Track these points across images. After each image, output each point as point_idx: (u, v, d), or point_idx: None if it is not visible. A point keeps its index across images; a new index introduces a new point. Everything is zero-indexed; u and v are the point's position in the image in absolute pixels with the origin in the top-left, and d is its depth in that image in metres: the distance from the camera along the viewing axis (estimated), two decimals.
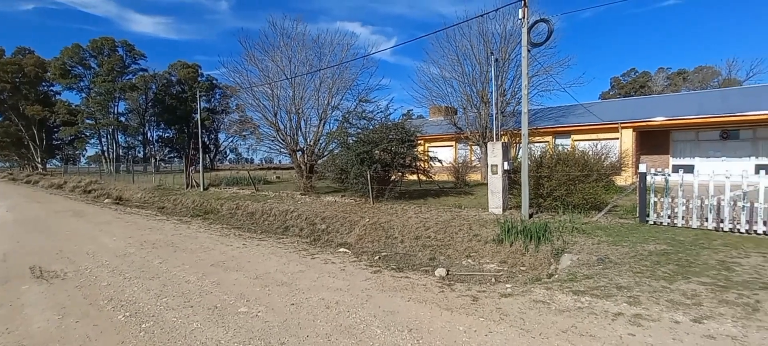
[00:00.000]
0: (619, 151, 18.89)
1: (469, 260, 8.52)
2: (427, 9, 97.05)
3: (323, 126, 18.37)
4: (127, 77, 51.82)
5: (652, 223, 8.05)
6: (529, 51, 9.42)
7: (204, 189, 20.35)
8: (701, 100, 19.91)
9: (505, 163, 10.41)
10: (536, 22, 9.22)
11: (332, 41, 17.93)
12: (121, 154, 54.73)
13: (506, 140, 20.64)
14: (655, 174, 8.10)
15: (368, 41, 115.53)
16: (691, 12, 69.68)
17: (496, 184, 10.50)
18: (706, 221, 7.49)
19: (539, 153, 11.06)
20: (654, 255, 5.51)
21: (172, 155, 59.16)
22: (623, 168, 18.88)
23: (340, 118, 16.44)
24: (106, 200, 19.46)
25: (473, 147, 23.40)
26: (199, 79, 56.14)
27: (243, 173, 26.94)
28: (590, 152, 17.22)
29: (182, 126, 57.17)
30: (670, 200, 7.92)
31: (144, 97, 52.54)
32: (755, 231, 6.97)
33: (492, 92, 14.01)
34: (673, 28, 71.04)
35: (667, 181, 7.98)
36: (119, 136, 55.67)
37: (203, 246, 8.57)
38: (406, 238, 10.27)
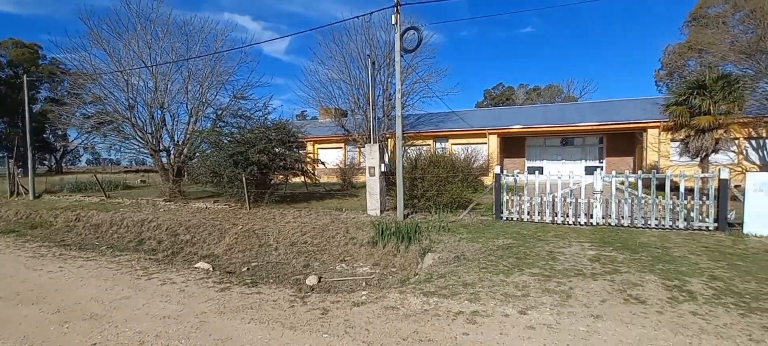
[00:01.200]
0: (486, 154, 21.19)
1: (343, 265, 8.26)
2: (322, 10, 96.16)
3: (195, 124, 16.25)
4: None
5: (506, 219, 8.96)
6: (402, 56, 9.69)
7: (35, 197, 16.17)
8: (547, 112, 23.62)
9: (382, 165, 10.51)
10: (407, 29, 9.54)
11: (203, 28, 16.00)
12: None
13: (394, 142, 21.47)
14: (507, 175, 9.05)
15: (259, 37, 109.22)
16: (543, 39, 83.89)
17: (373, 186, 10.53)
18: (545, 215, 8.63)
19: (415, 155, 11.51)
20: (500, 250, 6.00)
21: (1, 154, 46.21)
22: (490, 169, 21.28)
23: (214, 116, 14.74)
24: None
25: (362, 149, 23.58)
26: (41, 62, 45.22)
27: (104, 176, 22.28)
28: (463, 155, 18.89)
29: (15, 119, 45.21)
30: (518, 198, 8.94)
31: None
32: (579, 222, 8.28)
33: (370, 95, 14.13)
34: (531, 51, 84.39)
35: (515, 181, 8.98)
36: None
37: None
38: (282, 245, 9.56)
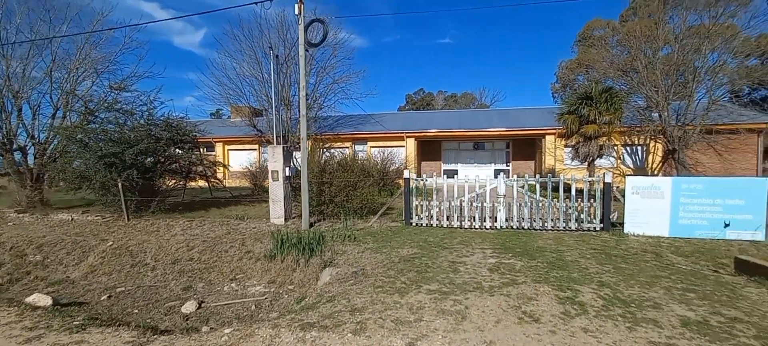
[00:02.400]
0: (405, 157, 21.26)
1: (232, 285, 7.14)
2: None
3: (63, 119, 13.42)
4: None
5: (415, 225, 8.66)
6: (307, 50, 8.88)
7: None
8: (461, 117, 24.61)
9: (287, 169, 9.56)
10: (312, 21, 8.77)
11: (71, 5, 13.29)
12: None
13: (312, 144, 20.31)
14: (417, 180, 8.77)
15: (169, 29, 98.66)
16: (459, 49, 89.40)
17: (277, 192, 9.52)
18: (453, 220, 8.51)
19: (324, 159, 10.75)
20: (403, 262, 5.54)
21: None
22: (409, 172, 21.40)
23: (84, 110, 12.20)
24: None
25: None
26: None
27: None
28: (379, 158, 18.61)
29: None
30: (427, 203, 8.71)
31: None
32: (485, 226, 8.30)
33: (272, 91, 13.02)
34: (449, 60, 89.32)
35: (424, 186, 8.75)
36: None
37: None
38: (161, 263, 8.07)
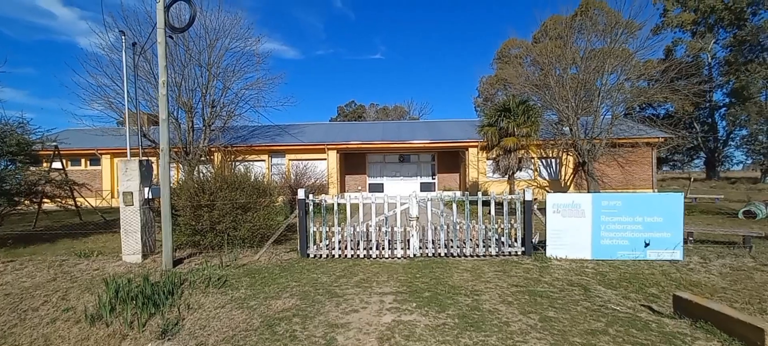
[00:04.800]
0: (326, 171, 19.56)
1: None
2: None
3: None
4: None
5: (313, 256, 7.01)
6: (170, 36, 6.87)
7: None
8: (385, 129, 23.67)
9: (147, 190, 7.32)
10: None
11: None
12: None
13: (220, 157, 17.59)
14: (313, 200, 7.14)
15: (75, 29, 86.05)
16: (389, 64, 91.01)
17: (131, 220, 7.21)
18: (359, 248, 7.05)
19: (204, 176, 8.65)
20: (266, 326, 3.88)
21: None
22: (330, 185, 19.71)
23: None
24: None
25: (180, 165, 18.87)
26: None
27: None
28: (293, 172, 16.68)
29: None
30: (328, 229, 7.13)
31: None
32: (396, 255, 6.93)
33: (124, 89, 10.61)
34: (381, 75, 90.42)
35: (325, 207, 7.17)
36: None
37: None
38: None
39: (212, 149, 19.23)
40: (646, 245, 6.42)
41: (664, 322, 3.74)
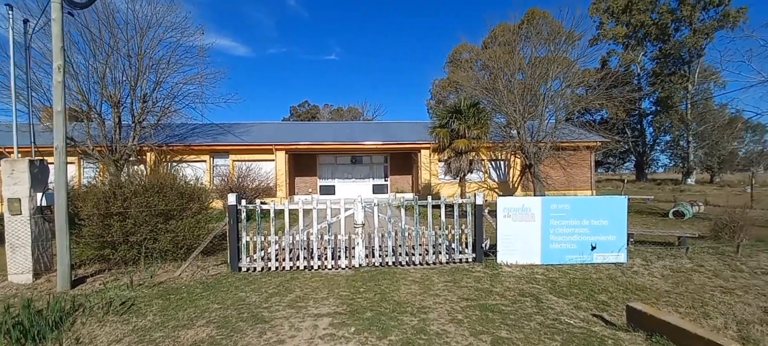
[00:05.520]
0: (274, 172, 18.44)
1: None
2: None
3: None
4: None
5: (246, 269, 6.20)
6: (69, 13, 5.73)
7: None
8: (337, 129, 22.94)
9: (40, 196, 6.08)
10: None
11: None
12: None
13: (154, 157, 15.68)
14: (247, 206, 6.33)
15: None
16: (344, 65, 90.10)
17: (19, 232, 5.93)
18: (299, 259, 6.35)
19: (117, 180, 7.48)
20: None
21: None
22: (278, 188, 18.59)
23: None
24: None
25: (108, 167, 16.77)
26: None
27: None
28: (236, 173, 15.47)
29: None
30: (262, 238, 6.35)
31: None
32: (340, 265, 6.33)
33: (12, 76, 9.13)
34: (336, 75, 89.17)
35: (259, 214, 6.38)
36: None
37: None
38: None
39: (144, 148, 17.36)
40: (593, 248, 6.38)
41: (619, 336, 3.49)
